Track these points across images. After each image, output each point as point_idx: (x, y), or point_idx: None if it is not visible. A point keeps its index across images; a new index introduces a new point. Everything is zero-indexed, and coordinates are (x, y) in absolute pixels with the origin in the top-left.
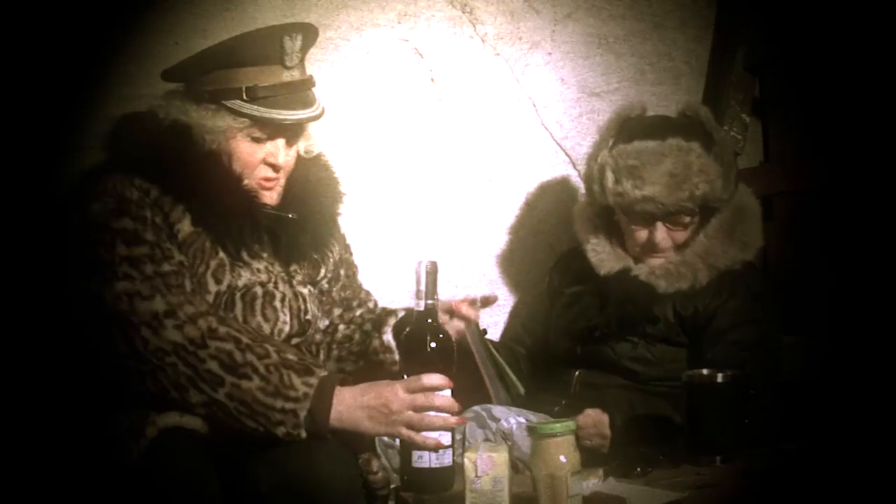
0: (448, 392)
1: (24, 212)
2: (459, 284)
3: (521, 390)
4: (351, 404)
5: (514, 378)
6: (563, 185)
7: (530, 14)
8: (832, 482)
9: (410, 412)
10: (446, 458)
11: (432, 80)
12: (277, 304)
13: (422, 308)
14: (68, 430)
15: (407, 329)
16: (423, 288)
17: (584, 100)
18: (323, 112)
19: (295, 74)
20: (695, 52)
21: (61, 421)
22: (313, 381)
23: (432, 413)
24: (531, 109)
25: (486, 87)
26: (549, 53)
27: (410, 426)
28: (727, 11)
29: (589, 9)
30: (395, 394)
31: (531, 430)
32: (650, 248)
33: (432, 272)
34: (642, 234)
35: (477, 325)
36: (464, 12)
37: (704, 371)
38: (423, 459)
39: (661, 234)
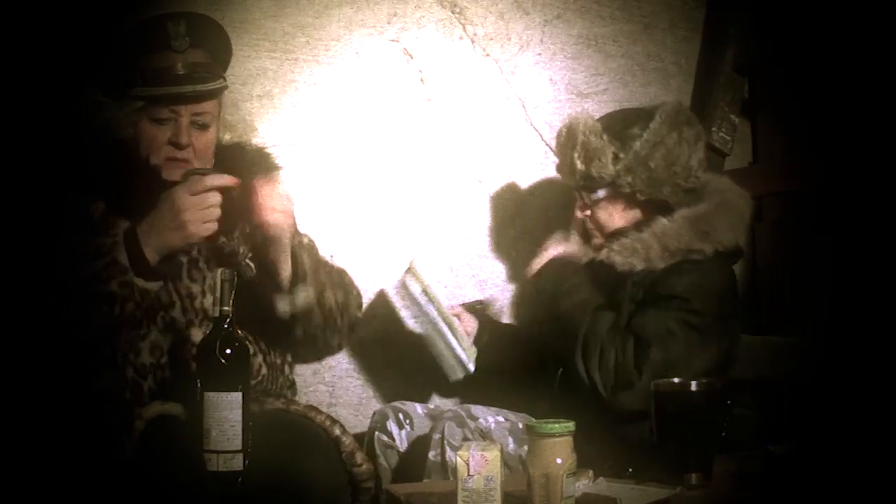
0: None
1: (22, 209)
2: (448, 284)
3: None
4: (151, 229)
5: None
6: (551, 185)
7: (520, 15)
8: (821, 483)
9: (195, 210)
10: (235, 463)
11: (422, 80)
12: (202, 265)
13: (217, 315)
14: (62, 430)
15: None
16: (218, 295)
17: (573, 100)
18: (222, 87)
19: (188, 58)
20: (684, 53)
21: (55, 420)
22: (115, 231)
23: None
24: (520, 110)
25: (475, 88)
26: (539, 54)
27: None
28: (716, 13)
29: (578, 10)
30: (181, 197)
31: (529, 428)
32: (577, 224)
33: (228, 280)
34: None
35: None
36: (453, 13)
37: (675, 379)
38: (212, 462)
39: (578, 206)
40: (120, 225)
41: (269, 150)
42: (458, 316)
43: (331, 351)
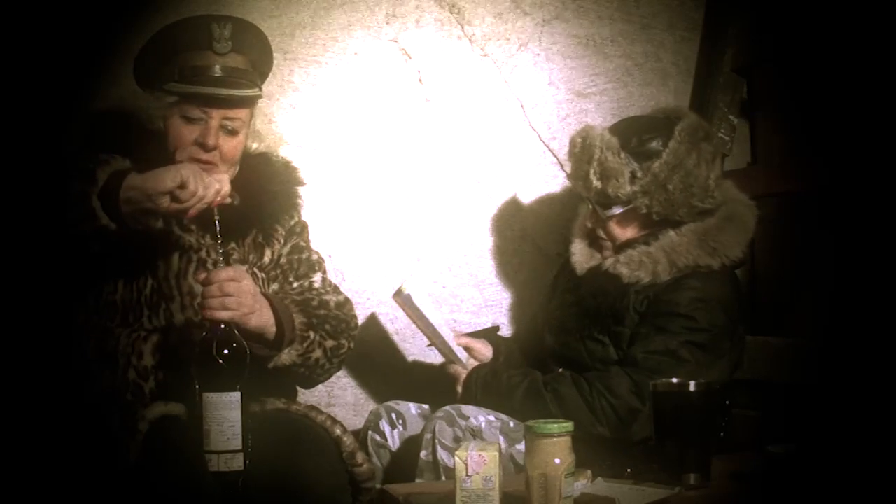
0: None
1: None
2: (447, 285)
3: None
4: (134, 185)
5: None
6: (550, 186)
7: (518, 15)
8: (821, 484)
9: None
10: (235, 462)
11: (420, 80)
12: (210, 266)
13: None
14: (67, 433)
15: (203, 334)
16: None
17: (571, 101)
18: (256, 95)
19: (227, 61)
20: (682, 53)
21: (59, 424)
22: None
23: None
24: (519, 110)
25: (473, 88)
26: (537, 54)
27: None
28: (715, 13)
29: (577, 10)
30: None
31: (528, 428)
32: (580, 229)
33: None
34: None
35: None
36: (452, 13)
37: (674, 379)
38: (212, 463)
39: (591, 219)
40: None
41: (294, 165)
42: (469, 346)
43: (315, 385)
